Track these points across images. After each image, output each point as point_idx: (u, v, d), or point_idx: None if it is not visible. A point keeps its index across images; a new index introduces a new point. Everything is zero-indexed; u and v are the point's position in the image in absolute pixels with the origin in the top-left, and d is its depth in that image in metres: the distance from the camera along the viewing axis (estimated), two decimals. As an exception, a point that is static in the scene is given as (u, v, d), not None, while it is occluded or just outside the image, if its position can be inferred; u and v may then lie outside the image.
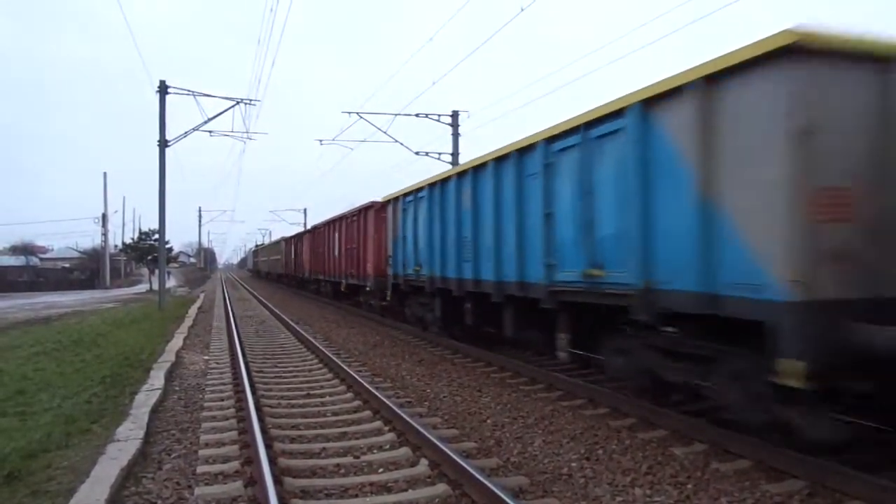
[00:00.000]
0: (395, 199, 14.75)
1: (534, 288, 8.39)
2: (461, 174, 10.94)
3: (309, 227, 34.10)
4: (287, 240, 41.85)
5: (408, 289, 14.11)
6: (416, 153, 24.92)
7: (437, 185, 12.01)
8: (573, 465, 5.63)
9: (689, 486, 5.04)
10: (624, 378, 7.28)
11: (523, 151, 8.60)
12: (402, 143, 24.60)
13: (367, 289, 17.85)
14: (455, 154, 24.10)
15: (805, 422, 4.92)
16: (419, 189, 12.97)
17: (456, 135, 24.38)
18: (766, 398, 5.07)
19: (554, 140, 7.80)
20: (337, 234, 22.69)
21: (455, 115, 24.44)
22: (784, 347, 4.69)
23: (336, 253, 22.88)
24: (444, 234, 11.68)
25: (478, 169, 10.14)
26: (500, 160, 9.30)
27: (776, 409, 5.05)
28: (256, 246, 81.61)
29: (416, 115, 24.12)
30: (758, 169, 4.93)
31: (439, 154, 24.67)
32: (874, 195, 4.83)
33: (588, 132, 7.10)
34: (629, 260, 6.37)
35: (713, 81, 5.33)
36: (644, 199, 6.16)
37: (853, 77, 4.86)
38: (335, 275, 23.32)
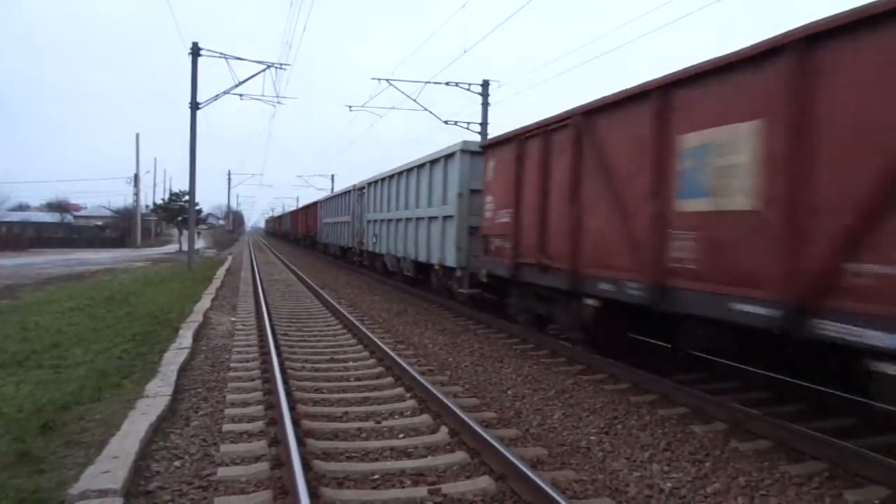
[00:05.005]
0: None
1: None
2: None
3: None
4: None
5: None
6: (445, 122, 24.74)
7: None
8: (592, 438, 5.67)
9: (708, 464, 5.04)
10: None
11: None
12: (431, 112, 24.43)
13: None
14: (484, 124, 23.90)
15: None
16: None
17: (486, 104, 24.14)
18: None
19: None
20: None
21: (485, 84, 24.16)
22: None
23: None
24: None
25: None
26: None
27: None
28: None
29: (447, 84, 23.90)
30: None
31: (468, 123, 24.50)
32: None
33: None
34: None
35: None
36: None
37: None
38: None
